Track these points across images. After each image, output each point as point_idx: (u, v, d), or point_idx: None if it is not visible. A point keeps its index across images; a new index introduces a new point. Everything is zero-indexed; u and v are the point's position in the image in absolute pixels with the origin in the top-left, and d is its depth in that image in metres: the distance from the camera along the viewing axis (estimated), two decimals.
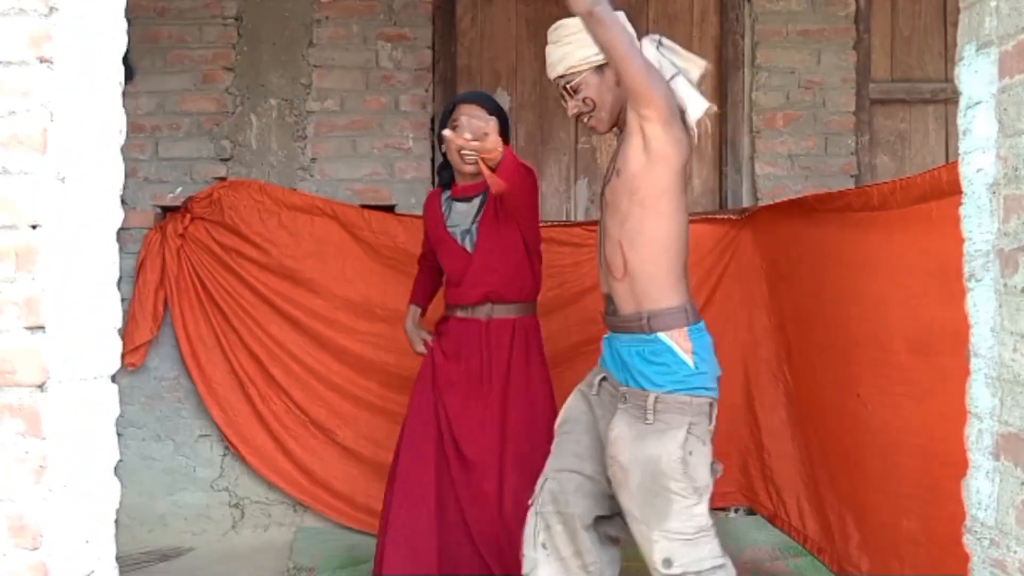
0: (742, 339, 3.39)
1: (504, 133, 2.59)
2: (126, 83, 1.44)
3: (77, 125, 1.36)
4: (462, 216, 2.69)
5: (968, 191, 1.54)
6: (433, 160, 3.72)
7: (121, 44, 1.49)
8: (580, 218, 3.82)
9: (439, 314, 2.81)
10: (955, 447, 2.18)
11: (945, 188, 2.27)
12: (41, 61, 1.29)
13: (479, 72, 3.83)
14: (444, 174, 2.80)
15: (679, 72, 2.09)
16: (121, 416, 3.88)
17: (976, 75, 1.51)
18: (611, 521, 2.10)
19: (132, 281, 3.51)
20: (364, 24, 3.67)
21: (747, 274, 3.40)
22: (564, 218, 3.81)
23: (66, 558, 1.32)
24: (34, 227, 1.27)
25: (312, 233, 3.49)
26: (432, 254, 2.83)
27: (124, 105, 1.50)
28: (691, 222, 3.44)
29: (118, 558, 1.47)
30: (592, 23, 1.89)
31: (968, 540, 1.50)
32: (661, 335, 1.96)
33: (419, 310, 2.90)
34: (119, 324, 1.49)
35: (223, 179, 3.60)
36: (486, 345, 2.63)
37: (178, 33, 3.64)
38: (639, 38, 2.08)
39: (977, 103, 1.51)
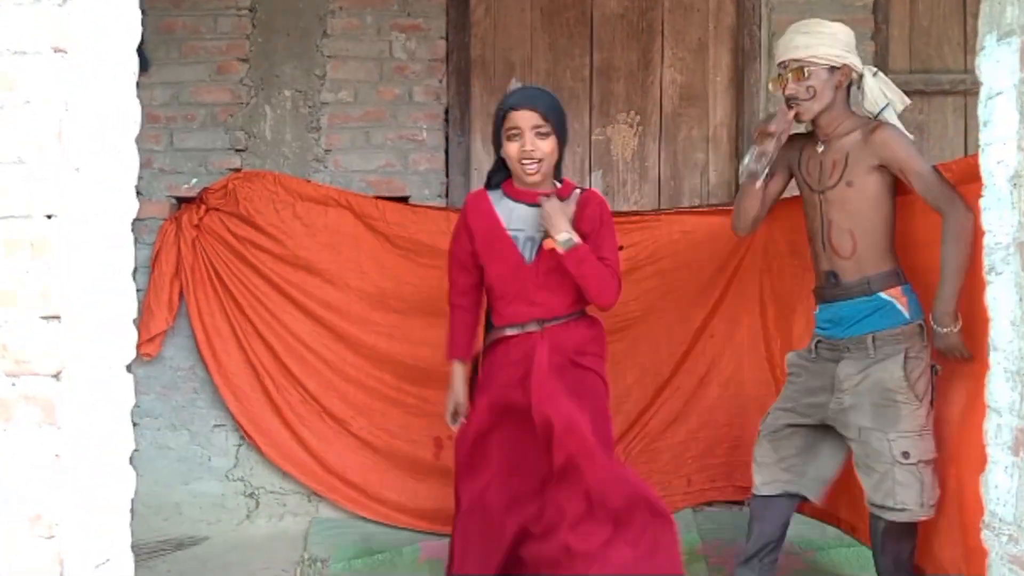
0: (759, 330, 3.37)
1: (562, 132, 2.50)
2: (141, 74, 1.44)
3: (92, 115, 1.36)
4: (525, 221, 2.49)
5: (988, 183, 1.52)
6: (447, 151, 3.71)
7: (136, 34, 1.49)
8: None
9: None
10: (974, 436, 2.17)
11: (962, 180, 2.25)
12: (55, 51, 1.29)
13: (493, 63, 3.82)
14: (497, 176, 2.58)
15: (889, 103, 2.53)
16: (137, 406, 3.90)
17: (997, 65, 1.49)
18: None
19: (147, 272, 3.52)
20: (378, 15, 3.67)
21: (763, 265, 3.37)
22: None
23: (81, 547, 1.32)
24: (49, 217, 1.28)
25: (327, 224, 3.49)
26: (467, 276, 2.58)
27: (139, 96, 1.50)
28: (707, 214, 3.50)
29: (134, 546, 1.48)
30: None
31: (986, 536, 1.49)
32: (881, 294, 2.51)
33: (464, 367, 2.58)
34: (134, 314, 1.49)
35: (238, 170, 3.60)
36: (539, 350, 2.43)
37: (192, 24, 3.64)
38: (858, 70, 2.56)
39: (998, 93, 1.49)
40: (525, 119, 2.44)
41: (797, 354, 2.74)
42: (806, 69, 2.50)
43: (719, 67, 3.81)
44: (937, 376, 2.47)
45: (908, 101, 2.59)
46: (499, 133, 2.50)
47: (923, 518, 2.43)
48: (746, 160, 2.65)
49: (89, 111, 1.35)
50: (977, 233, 2.15)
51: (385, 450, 3.45)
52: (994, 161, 1.50)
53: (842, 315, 2.55)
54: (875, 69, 2.59)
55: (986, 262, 1.51)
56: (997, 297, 1.49)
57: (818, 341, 2.64)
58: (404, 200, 3.62)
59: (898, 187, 2.53)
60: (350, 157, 3.67)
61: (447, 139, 3.72)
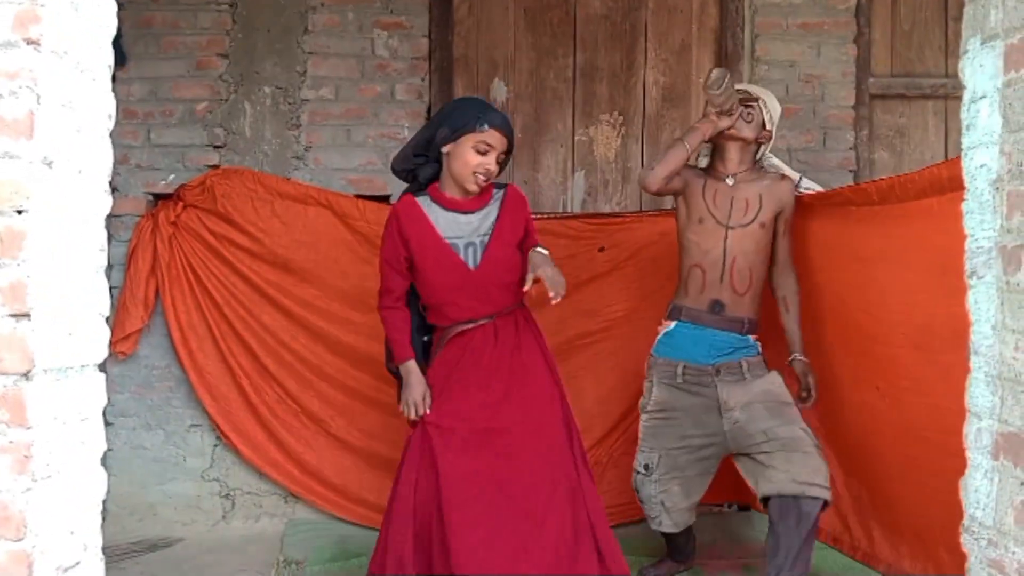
0: None
1: (509, 151, 2.60)
2: (118, 69, 1.41)
3: (65, 109, 1.33)
4: (464, 228, 2.56)
5: (971, 187, 1.52)
6: None
7: (111, 27, 1.47)
8: (576, 210, 3.80)
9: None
10: (958, 442, 2.18)
11: (945, 185, 2.26)
12: (28, 43, 1.26)
13: (476, 61, 3.80)
14: (423, 173, 2.61)
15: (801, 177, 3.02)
16: (111, 405, 3.86)
17: (981, 69, 1.49)
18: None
19: (123, 269, 3.48)
20: (360, 12, 3.64)
21: None
22: (560, 210, 3.79)
23: (51, 549, 1.29)
24: (20, 212, 1.24)
25: (305, 223, 3.46)
26: (401, 280, 2.61)
27: (116, 91, 1.47)
28: None
29: (107, 548, 1.45)
30: None
31: (966, 540, 1.49)
32: (749, 337, 2.86)
33: (416, 363, 2.60)
34: (107, 312, 1.46)
35: (216, 167, 3.57)
36: (493, 340, 2.55)
37: (172, 19, 3.60)
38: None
39: (981, 97, 1.49)
40: (499, 142, 2.53)
41: (661, 391, 2.84)
42: (757, 106, 2.85)
43: (702, 69, 3.81)
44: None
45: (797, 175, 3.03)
46: (458, 135, 2.51)
47: (827, 498, 2.63)
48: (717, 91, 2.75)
49: (62, 104, 1.32)
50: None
51: (363, 450, 3.42)
52: (976, 165, 1.49)
53: (716, 342, 2.81)
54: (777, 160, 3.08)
55: (968, 266, 1.51)
56: (978, 301, 1.49)
57: (683, 368, 2.83)
58: (385, 199, 3.60)
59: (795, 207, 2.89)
60: (330, 155, 3.64)
61: None
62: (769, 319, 2.90)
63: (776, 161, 3.03)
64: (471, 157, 2.50)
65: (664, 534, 2.94)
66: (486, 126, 2.50)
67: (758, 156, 2.93)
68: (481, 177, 2.52)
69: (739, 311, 2.81)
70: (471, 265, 2.53)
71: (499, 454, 2.44)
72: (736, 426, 2.74)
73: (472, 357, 2.53)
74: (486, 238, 2.54)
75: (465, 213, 2.56)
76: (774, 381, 2.78)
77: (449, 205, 2.56)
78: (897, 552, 2.76)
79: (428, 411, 2.50)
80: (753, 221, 2.80)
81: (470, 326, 2.56)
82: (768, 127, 2.89)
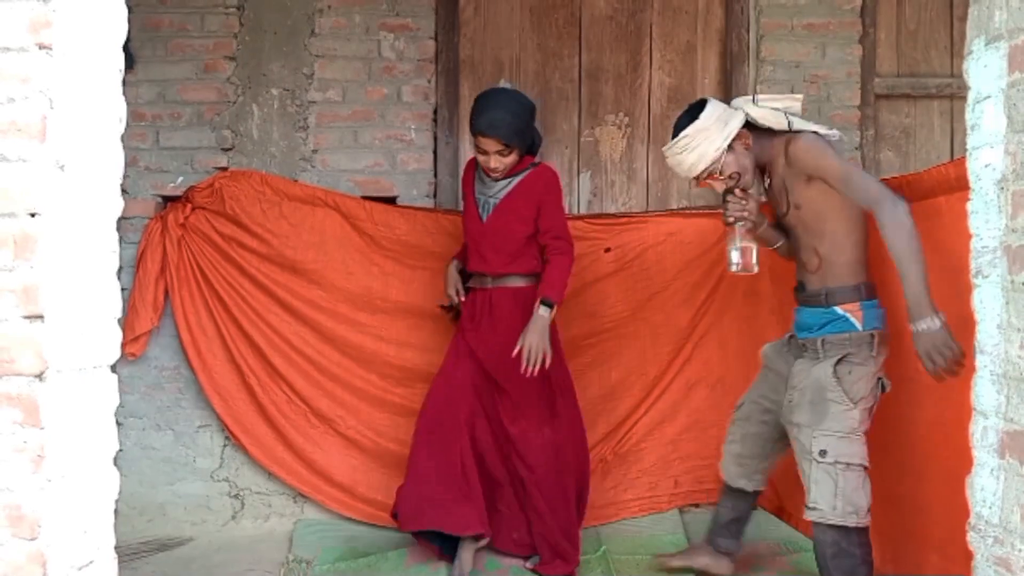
0: (746, 332, 3.37)
1: (525, 141, 2.99)
2: (126, 71, 1.42)
3: (77, 113, 1.34)
4: (492, 188, 3.01)
5: (976, 187, 1.53)
6: (436, 152, 3.70)
7: (121, 31, 1.48)
8: (583, 211, 3.80)
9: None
10: (960, 440, 2.18)
11: (953, 184, 2.26)
12: (40, 48, 1.28)
13: (482, 63, 3.81)
14: None
15: (785, 111, 2.59)
16: (121, 406, 3.87)
17: (985, 69, 1.50)
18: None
19: (133, 271, 3.49)
20: (366, 14, 3.65)
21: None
22: (566, 211, 3.78)
23: (65, 548, 1.31)
24: (33, 215, 1.26)
25: (313, 224, 3.47)
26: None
27: (124, 94, 1.49)
28: (694, 216, 3.51)
29: (117, 548, 1.47)
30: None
31: (972, 538, 1.49)
32: (836, 308, 2.55)
33: (458, 264, 3.14)
34: (119, 313, 1.48)
35: (224, 169, 3.58)
36: (489, 312, 3.01)
37: (179, 22, 3.62)
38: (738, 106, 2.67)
39: (986, 97, 1.50)
40: (490, 145, 2.91)
41: (771, 345, 2.86)
42: (714, 174, 2.62)
43: (707, 69, 3.82)
44: (884, 392, 2.51)
45: (801, 97, 2.68)
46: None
47: (834, 522, 2.40)
48: (733, 258, 2.70)
49: (74, 108, 1.34)
50: (917, 220, 2.30)
51: (372, 450, 3.43)
52: (981, 165, 1.50)
53: (802, 320, 2.65)
54: (748, 98, 2.68)
55: (973, 265, 1.52)
56: (984, 300, 1.49)
57: (791, 335, 2.76)
58: (392, 200, 3.61)
59: None
60: (338, 156, 3.65)
61: (436, 139, 3.71)
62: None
63: (798, 124, 2.63)
64: (478, 156, 2.98)
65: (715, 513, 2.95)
66: (474, 134, 2.94)
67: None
68: (492, 173, 2.97)
69: (815, 284, 2.59)
70: (483, 218, 3.01)
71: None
72: (788, 407, 2.61)
73: (476, 331, 3.02)
74: (499, 199, 2.99)
75: (496, 179, 2.99)
76: (827, 368, 2.49)
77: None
78: (881, 555, 2.74)
79: (461, 298, 3.09)
80: (789, 208, 2.61)
81: (475, 284, 3.07)
82: (730, 143, 2.60)
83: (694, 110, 2.64)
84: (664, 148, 2.72)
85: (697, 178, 2.66)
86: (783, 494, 3.25)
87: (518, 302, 3.00)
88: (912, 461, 2.61)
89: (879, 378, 2.51)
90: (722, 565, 2.92)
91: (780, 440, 2.75)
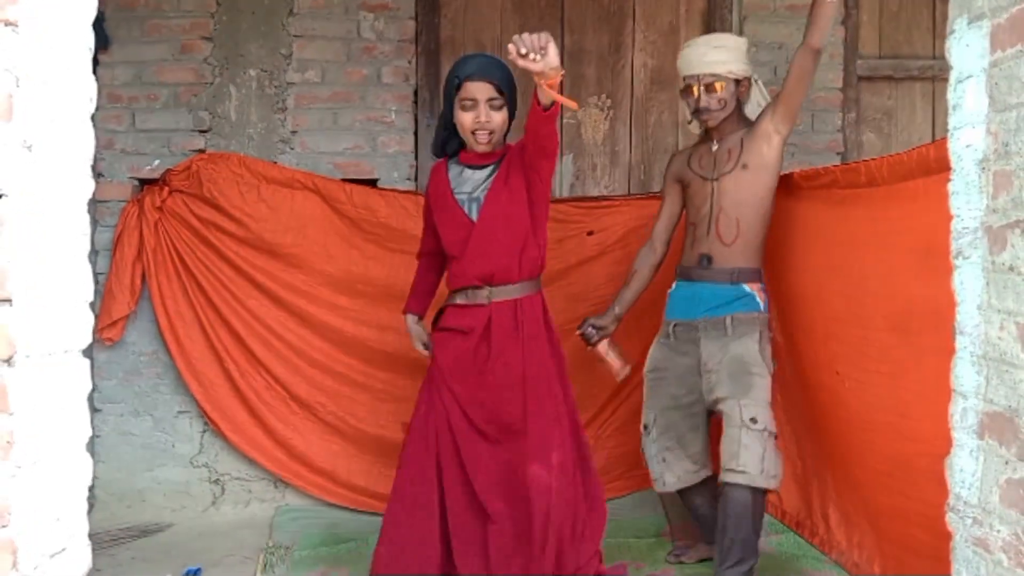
0: None
1: (514, 103, 2.55)
2: (102, 52, 1.40)
3: (44, 91, 1.31)
4: (471, 183, 2.55)
5: (957, 167, 1.52)
6: (416, 134, 3.67)
7: (91, 9, 1.45)
8: (564, 194, 3.79)
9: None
10: (928, 425, 2.19)
11: (933, 166, 2.26)
12: (6, 24, 1.24)
13: (463, 44, 3.77)
14: (454, 142, 2.61)
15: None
16: (99, 392, 3.83)
17: (967, 49, 1.49)
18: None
19: (109, 255, 3.45)
20: None
21: None
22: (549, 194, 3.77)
23: (36, 536, 1.29)
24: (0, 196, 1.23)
25: (292, 207, 3.44)
26: (433, 239, 2.66)
27: (100, 75, 1.46)
28: None
29: (96, 534, 1.45)
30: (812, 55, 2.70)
31: (951, 518, 1.50)
32: (744, 285, 2.75)
33: (415, 318, 2.77)
34: (90, 297, 1.45)
35: (202, 151, 3.54)
36: (486, 327, 2.49)
37: (155, 2, 3.55)
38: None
39: (968, 77, 1.49)
40: (481, 91, 2.47)
41: (656, 350, 2.91)
42: (718, 83, 2.71)
43: None
44: (774, 371, 2.72)
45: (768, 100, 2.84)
46: (451, 99, 2.52)
47: (760, 485, 2.57)
48: (616, 367, 2.93)
49: (41, 87, 1.30)
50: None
51: (352, 435, 3.42)
52: (963, 145, 1.50)
53: (703, 296, 2.77)
54: (755, 77, 2.85)
55: (953, 246, 1.52)
56: (964, 281, 1.49)
57: (674, 325, 2.84)
58: (372, 183, 3.58)
59: (777, 188, 2.77)
60: (317, 139, 3.62)
61: (416, 121, 3.68)
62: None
63: (756, 99, 2.89)
64: (462, 117, 2.50)
65: (695, 515, 2.91)
66: (461, 80, 2.49)
67: (745, 106, 2.84)
68: (482, 134, 2.50)
69: (728, 262, 2.74)
70: (472, 217, 2.51)
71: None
72: (707, 388, 2.73)
73: (463, 346, 2.51)
74: (486, 190, 2.51)
75: (474, 168, 2.56)
76: (750, 345, 2.69)
77: (464, 160, 2.59)
78: (850, 540, 2.76)
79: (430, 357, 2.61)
80: (736, 166, 2.74)
81: (466, 300, 2.52)
82: (743, 78, 2.76)
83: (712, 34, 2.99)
84: (700, 36, 2.90)
85: (698, 80, 2.72)
86: None
87: (522, 317, 2.51)
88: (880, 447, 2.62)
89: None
90: None
91: (706, 422, 2.86)
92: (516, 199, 2.49)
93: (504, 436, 2.47)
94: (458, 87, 2.50)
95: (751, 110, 2.84)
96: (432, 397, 2.53)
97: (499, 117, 2.51)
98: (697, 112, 2.77)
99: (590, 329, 2.91)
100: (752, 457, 2.56)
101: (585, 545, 2.51)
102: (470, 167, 2.57)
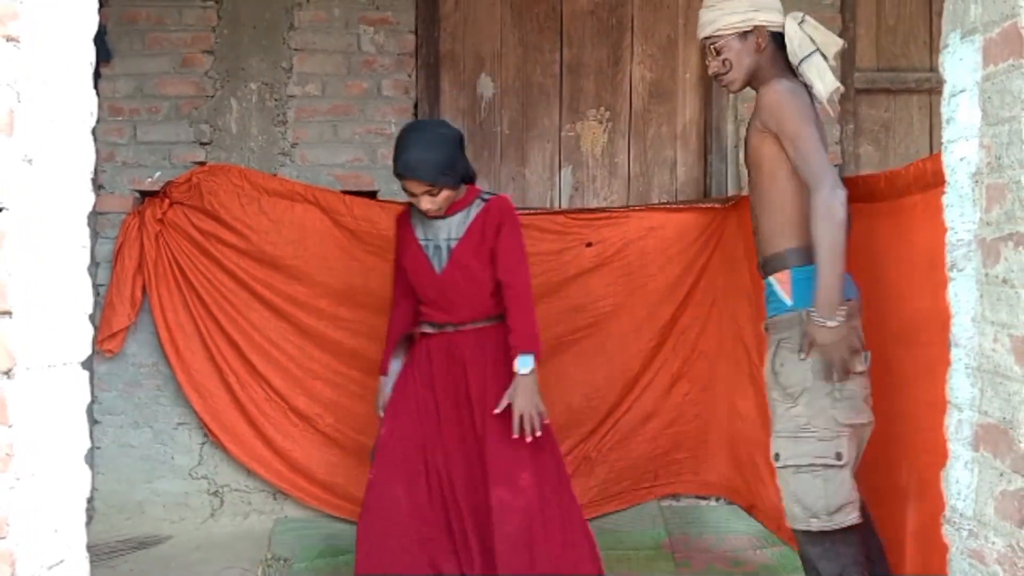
0: (726, 328, 3.39)
1: (455, 175, 2.56)
2: (103, 65, 1.41)
3: (45, 106, 1.32)
4: (436, 230, 2.64)
5: (951, 180, 1.53)
6: None
7: (92, 23, 1.46)
8: (564, 206, 3.80)
9: None
10: (939, 437, 2.19)
11: (931, 180, 2.27)
12: (8, 40, 1.26)
13: (462, 57, 3.80)
14: None
15: (817, 49, 2.31)
16: (99, 403, 3.83)
17: (960, 63, 1.50)
18: None
19: (110, 266, 3.46)
20: (346, 8, 3.63)
21: (731, 263, 3.38)
22: (548, 205, 3.79)
23: (35, 547, 1.29)
24: (0, 210, 1.24)
25: (292, 219, 3.45)
26: (404, 283, 2.73)
27: (101, 88, 1.48)
28: (677, 211, 3.51)
29: (95, 546, 1.46)
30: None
31: (947, 530, 1.50)
32: (770, 278, 2.30)
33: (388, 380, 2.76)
34: (89, 309, 1.46)
35: (202, 164, 3.55)
36: (450, 357, 2.65)
37: (156, 15, 3.58)
38: (782, 12, 2.35)
39: (961, 91, 1.50)
40: (415, 186, 2.56)
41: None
42: (715, 45, 2.35)
43: (688, 64, 3.82)
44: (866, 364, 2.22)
45: (841, 43, 2.37)
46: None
47: (801, 528, 2.19)
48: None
49: (42, 101, 1.31)
50: (850, 212, 2.16)
51: (352, 448, 3.42)
52: (957, 158, 1.51)
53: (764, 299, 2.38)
54: (801, 15, 2.34)
55: (948, 259, 1.53)
56: (959, 294, 1.50)
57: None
58: (372, 195, 3.59)
59: None
60: (317, 151, 3.63)
61: None
62: None
63: (808, 71, 2.34)
64: (411, 199, 2.61)
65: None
66: (396, 176, 2.59)
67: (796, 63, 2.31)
68: (431, 213, 2.58)
69: (760, 255, 2.36)
70: (436, 269, 2.63)
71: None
72: None
73: (421, 371, 2.67)
74: (453, 243, 2.61)
75: (442, 217, 2.62)
76: (768, 364, 2.27)
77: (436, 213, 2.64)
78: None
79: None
80: (747, 162, 2.39)
81: (433, 331, 2.67)
82: (748, 29, 2.31)
83: None
84: None
85: (707, 46, 2.38)
86: (754, 491, 3.27)
87: (485, 342, 2.64)
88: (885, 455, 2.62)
89: (863, 353, 2.22)
90: None
91: None
92: (483, 261, 2.61)
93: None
94: (396, 176, 2.59)
95: (793, 54, 2.32)
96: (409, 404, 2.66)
97: (440, 197, 2.56)
98: (715, 79, 2.43)
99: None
100: (785, 499, 2.22)
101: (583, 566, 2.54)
102: (429, 218, 2.63)
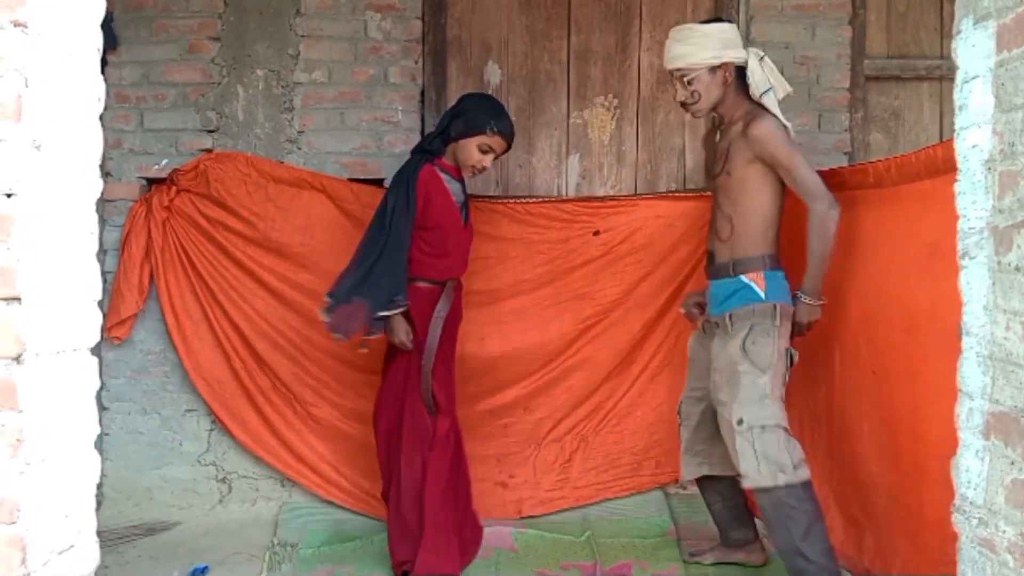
0: None
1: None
2: (110, 52, 1.40)
3: (53, 92, 1.32)
4: (457, 189, 3.01)
5: (963, 167, 1.52)
6: (423, 133, 3.67)
7: (99, 9, 1.46)
8: (571, 193, 3.79)
9: None
10: (939, 427, 2.19)
11: (940, 166, 2.26)
12: (15, 25, 1.25)
13: (469, 44, 3.78)
14: (436, 142, 3.00)
15: (771, 88, 2.69)
16: (107, 390, 3.84)
17: (973, 49, 1.49)
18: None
19: (118, 254, 3.47)
20: None
21: None
22: (555, 193, 3.78)
23: (45, 532, 1.30)
24: (9, 195, 1.24)
25: (300, 207, 3.45)
26: (420, 235, 2.94)
27: (108, 75, 1.47)
28: (684, 199, 3.50)
29: (104, 532, 1.46)
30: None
31: (957, 519, 1.49)
32: (743, 277, 2.67)
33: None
34: (98, 295, 1.46)
35: (209, 151, 3.55)
36: (455, 310, 3.01)
37: (163, 2, 3.57)
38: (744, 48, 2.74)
39: (974, 77, 1.49)
40: (501, 146, 2.97)
41: (694, 337, 2.93)
42: (687, 76, 2.70)
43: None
44: (792, 364, 2.64)
45: (789, 89, 2.76)
46: (469, 133, 2.93)
47: (765, 484, 2.50)
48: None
49: (50, 87, 1.31)
50: (841, 226, 2.53)
51: (357, 437, 3.41)
52: (969, 145, 1.49)
53: (714, 294, 2.77)
54: (761, 54, 2.72)
55: (960, 247, 1.51)
56: (970, 282, 1.49)
57: (706, 319, 2.84)
58: (379, 183, 3.58)
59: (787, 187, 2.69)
60: (324, 138, 3.62)
61: (423, 120, 3.68)
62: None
63: (761, 78, 2.71)
64: (474, 153, 2.95)
65: (709, 512, 3.00)
66: (495, 132, 2.92)
67: (757, 96, 2.69)
68: (477, 171, 2.99)
69: (724, 256, 2.72)
70: (463, 222, 3.02)
71: None
72: (713, 388, 2.71)
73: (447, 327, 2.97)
74: (465, 201, 3.05)
75: (458, 180, 3.03)
76: (736, 342, 2.61)
77: (454, 174, 3.02)
78: (859, 546, 2.74)
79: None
80: (723, 171, 2.71)
81: (427, 285, 2.95)
82: (717, 65, 2.67)
83: (716, 20, 2.87)
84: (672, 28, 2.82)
85: (672, 73, 2.76)
86: None
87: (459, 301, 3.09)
88: (883, 448, 2.61)
89: (787, 349, 2.63)
90: (753, 554, 2.95)
91: (713, 421, 2.79)
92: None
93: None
94: (487, 132, 2.92)
95: (755, 88, 2.68)
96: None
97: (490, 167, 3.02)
98: (683, 106, 2.79)
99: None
100: (746, 460, 2.54)
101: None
102: (455, 179, 3.02)
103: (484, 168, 2.99)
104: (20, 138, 1.25)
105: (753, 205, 2.66)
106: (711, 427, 2.81)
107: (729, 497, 2.90)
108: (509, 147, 3.02)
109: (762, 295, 2.64)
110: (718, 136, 2.82)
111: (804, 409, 2.99)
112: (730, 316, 2.66)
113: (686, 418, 2.91)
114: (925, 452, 2.30)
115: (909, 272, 2.44)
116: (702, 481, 2.94)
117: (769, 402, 2.55)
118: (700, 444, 2.88)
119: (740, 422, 2.55)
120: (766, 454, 2.51)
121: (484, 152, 2.95)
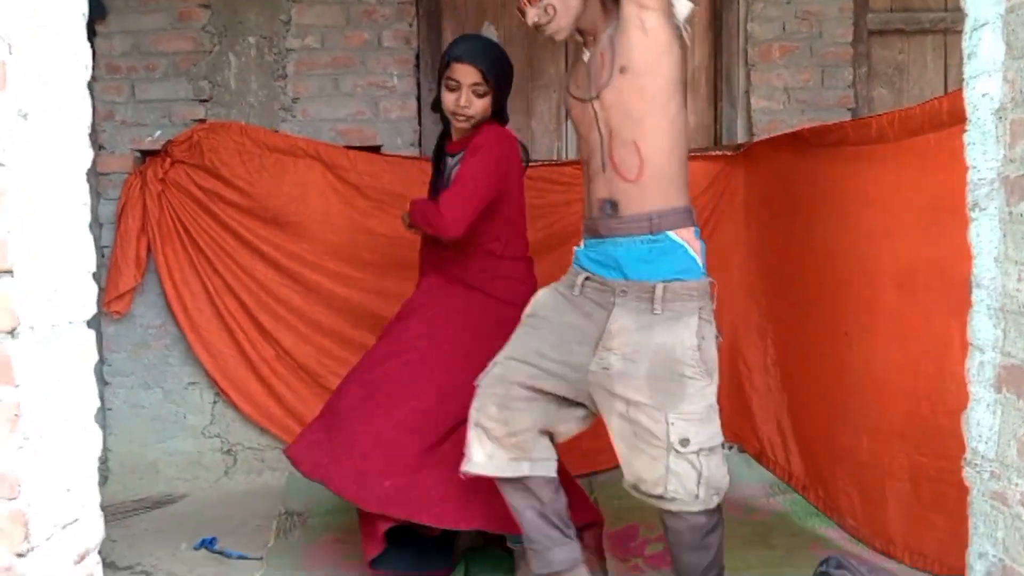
0: (734, 277, 3.35)
1: (503, 87, 2.52)
2: (98, 22, 1.37)
3: (39, 59, 1.28)
4: (450, 171, 2.60)
5: (973, 117, 1.48)
6: (419, 98, 3.62)
7: None
8: (570, 156, 3.75)
9: None
10: (938, 384, 2.18)
11: (944, 119, 2.22)
12: None
13: (464, 5, 3.71)
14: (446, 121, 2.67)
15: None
16: (108, 365, 3.82)
17: None
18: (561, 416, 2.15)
19: (114, 227, 3.44)
20: None
21: (741, 211, 3.35)
22: (555, 157, 3.74)
23: (47, 507, 1.28)
24: None
25: (295, 176, 3.41)
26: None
27: (98, 46, 1.44)
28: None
29: (110, 506, 1.45)
30: None
31: (968, 473, 1.48)
32: (670, 233, 2.01)
33: None
34: (93, 267, 1.43)
35: (202, 121, 3.50)
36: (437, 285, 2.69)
37: None
38: None
39: (983, 24, 1.45)
40: (466, 74, 2.44)
41: (550, 291, 2.18)
42: None
43: (697, 9, 3.72)
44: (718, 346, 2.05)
45: (693, 4, 2.07)
46: (438, 82, 2.52)
47: (698, 509, 1.98)
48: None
49: (36, 54, 1.28)
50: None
51: None
52: (979, 94, 1.46)
53: (617, 255, 2.03)
54: None
55: (969, 198, 1.48)
56: (981, 234, 1.46)
57: (586, 279, 2.09)
58: (376, 149, 3.54)
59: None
60: (318, 105, 3.57)
61: (419, 85, 3.63)
62: None
63: None
64: (446, 98, 2.49)
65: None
66: (449, 61, 2.46)
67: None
68: (460, 118, 2.48)
69: (639, 205, 2.00)
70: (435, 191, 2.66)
71: None
72: (603, 374, 2.01)
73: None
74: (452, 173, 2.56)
75: (453, 156, 2.59)
76: (685, 335, 1.95)
77: (450, 149, 2.61)
78: (851, 502, 2.72)
79: None
80: (612, 73, 1.98)
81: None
82: None
83: None
84: None
85: None
86: (764, 439, 3.26)
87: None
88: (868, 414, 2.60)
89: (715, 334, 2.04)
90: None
91: (570, 408, 2.13)
92: None
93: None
94: (446, 66, 2.48)
95: None
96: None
97: (480, 104, 2.47)
98: (536, 28, 2.09)
99: None
100: (685, 484, 1.95)
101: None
102: (450, 155, 2.60)
103: (462, 109, 2.44)
104: (6, 107, 1.22)
105: (666, 117, 1.99)
106: (547, 414, 2.12)
107: (549, 500, 2.19)
108: (481, 71, 2.43)
109: (700, 265, 2.02)
110: (586, 55, 2.09)
111: (799, 369, 2.97)
112: (664, 288, 1.96)
113: (510, 400, 2.10)
114: (929, 408, 2.29)
115: (905, 229, 2.41)
116: (510, 483, 2.16)
117: (714, 415, 1.99)
118: (524, 434, 2.11)
119: (685, 443, 1.94)
120: (709, 479, 1.96)
121: (452, 90, 2.45)
